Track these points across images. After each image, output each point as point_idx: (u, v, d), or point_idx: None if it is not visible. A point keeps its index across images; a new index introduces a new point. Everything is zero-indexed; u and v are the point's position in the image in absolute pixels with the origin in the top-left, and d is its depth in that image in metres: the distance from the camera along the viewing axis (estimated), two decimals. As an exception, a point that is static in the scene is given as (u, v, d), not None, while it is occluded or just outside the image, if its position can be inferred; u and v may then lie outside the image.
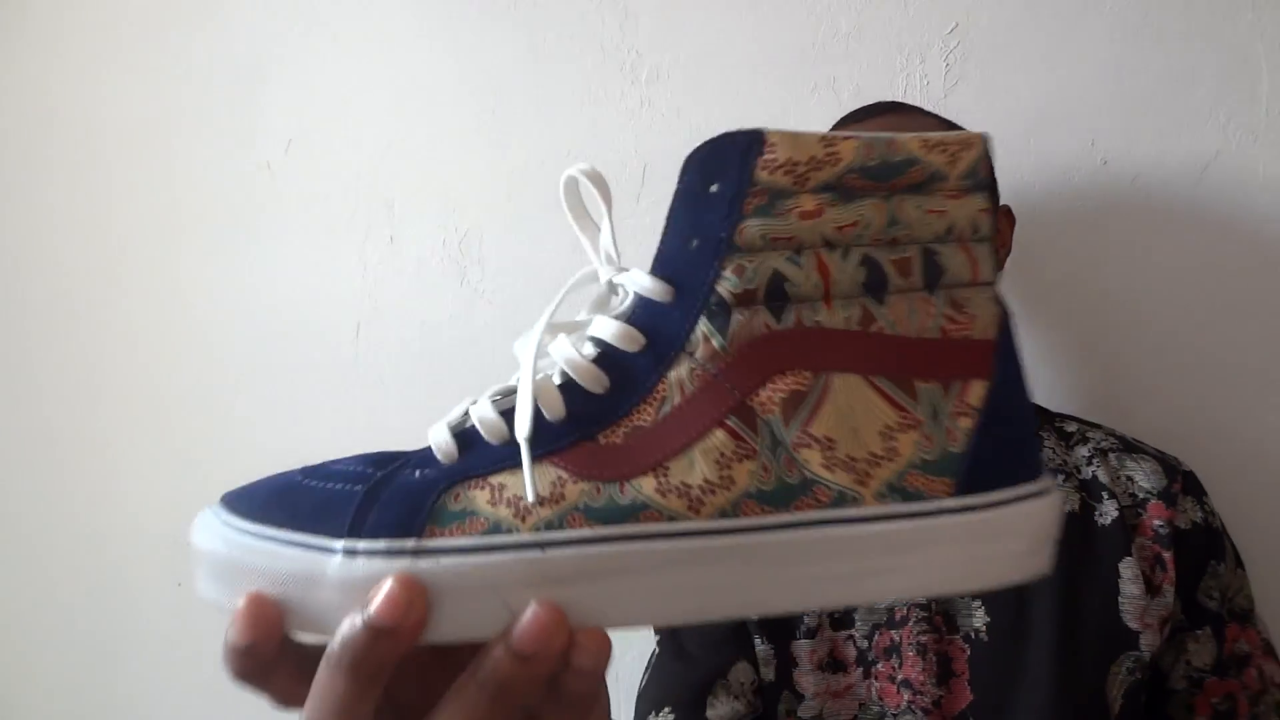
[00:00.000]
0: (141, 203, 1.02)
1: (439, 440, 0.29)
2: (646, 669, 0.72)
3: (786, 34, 0.86)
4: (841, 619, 0.62)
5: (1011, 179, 0.84)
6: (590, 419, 0.27)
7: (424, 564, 0.25)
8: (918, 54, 0.84)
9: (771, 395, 0.27)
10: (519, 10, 0.92)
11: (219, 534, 0.27)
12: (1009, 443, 0.28)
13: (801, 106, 0.86)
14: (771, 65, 0.87)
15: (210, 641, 1.06)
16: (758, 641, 0.64)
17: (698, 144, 0.28)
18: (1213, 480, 0.65)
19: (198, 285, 1.01)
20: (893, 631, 0.60)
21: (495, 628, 0.25)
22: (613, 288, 0.32)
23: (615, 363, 0.28)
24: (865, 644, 0.61)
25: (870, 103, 0.72)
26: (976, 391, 0.27)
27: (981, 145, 0.28)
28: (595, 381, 0.28)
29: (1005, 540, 0.27)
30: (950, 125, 0.70)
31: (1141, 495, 0.63)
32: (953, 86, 0.84)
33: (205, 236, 1.00)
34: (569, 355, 0.30)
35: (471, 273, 0.94)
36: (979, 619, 0.60)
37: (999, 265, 0.67)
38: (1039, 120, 0.83)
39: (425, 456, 0.29)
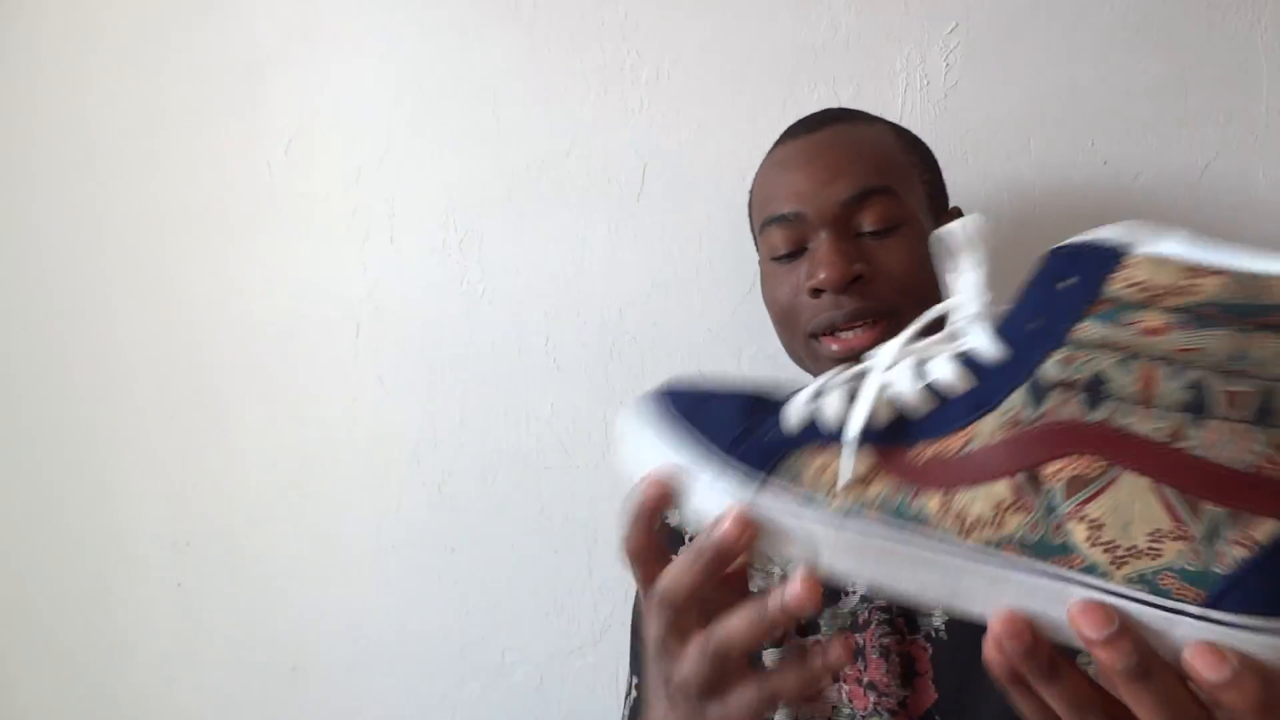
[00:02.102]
0: (141, 203, 1.02)
1: (795, 413, 0.36)
2: (626, 695, 0.72)
3: (786, 34, 0.86)
4: (807, 625, 0.62)
5: (1011, 179, 0.84)
6: (908, 435, 0.33)
7: (761, 499, 0.34)
8: (918, 54, 0.84)
9: (1060, 470, 0.30)
10: (519, 10, 0.92)
11: (645, 422, 0.38)
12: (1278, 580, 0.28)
13: (801, 107, 0.86)
14: (771, 65, 0.87)
15: (211, 642, 1.06)
16: None
17: (1059, 245, 0.31)
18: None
19: (197, 285, 1.01)
20: (856, 635, 0.61)
21: (793, 560, 0.34)
22: (961, 329, 0.35)
23: (941, 396, 0.33)
24: None
25: (815, 112, 0.71)
26: (1266, 529, 0.28)
27: None
28: (922, 406, 0.33)
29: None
30: (901, 130, 0.69)
31: None
32: (953, 86, 0.84)
33: (205, 236, 1.00)
34: (907, 379, 0.34)
35: (471, 273, 0.94)
36: (938, 618, 0.60)
37: None
38: (1039, 120, 0.83)
39: (778, 419, 0.36)
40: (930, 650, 0.59)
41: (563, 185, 0.92)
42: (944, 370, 0.33)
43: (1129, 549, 0.29)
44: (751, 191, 0.72)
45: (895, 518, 0.32)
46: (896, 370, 0.35)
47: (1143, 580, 0.29)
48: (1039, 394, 0.31)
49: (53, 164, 1.05)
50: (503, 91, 0.93)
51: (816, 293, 0.62)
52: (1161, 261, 0.29)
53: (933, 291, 0.64)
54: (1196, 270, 0.28)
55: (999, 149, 0.84)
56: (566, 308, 0.92)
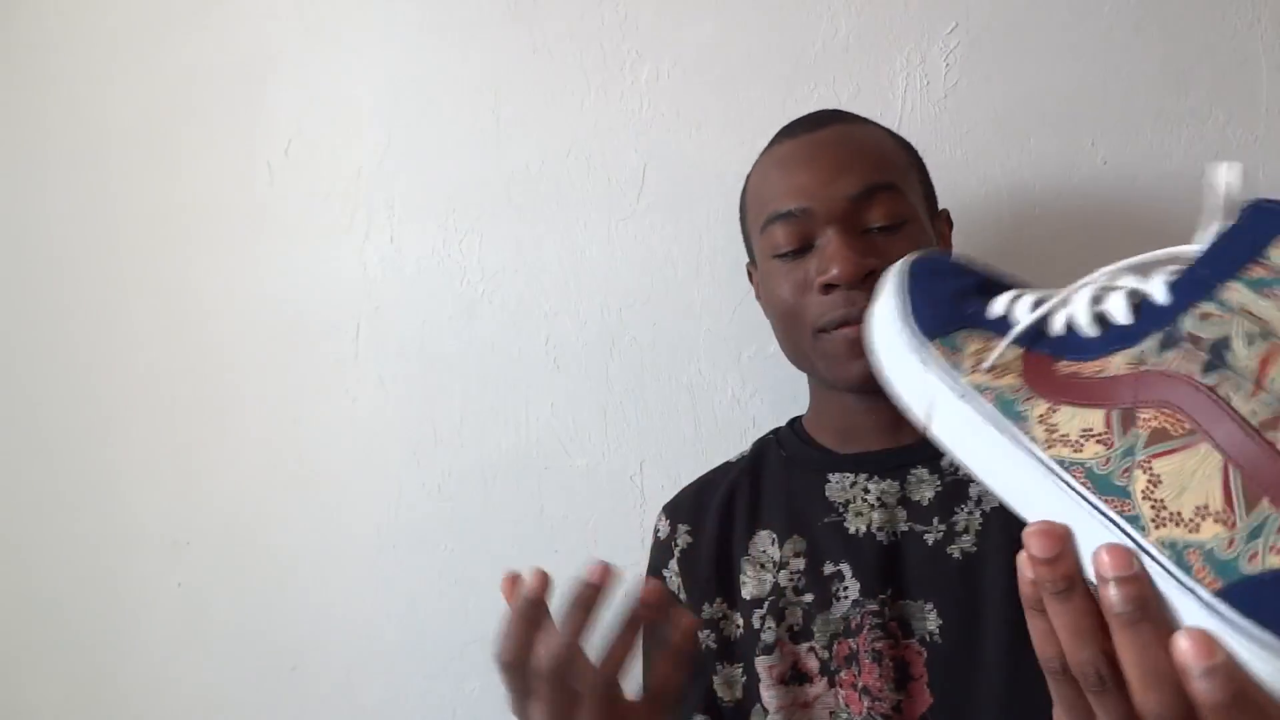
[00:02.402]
0: (141, 203, 1.02)
1: (998, 303, 0.40)
2: None
3: (786, 34, 0.86)
4: (800, 631, 0.62)
5: (1011, 179, 0.84)
6: (1062, 349, 0.36)
7: (918, 356, 0.40)
8: (918, 54, 0.84)
9: (1151, 419, 0.31)
10: (519, 10, 0.92)
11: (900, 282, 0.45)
12: None
13: (801, 107, 0.86)
14: (772, 65, 0.87)
15: (211, 642, 1.06)
16: (721, 666, 0.64)
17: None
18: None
19: (197, 285, 1.01)
20: (850, 640, 0.60)
21: (918, 410, 0.40)
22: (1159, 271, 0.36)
23: (1102, 325, 0.36)
24: (826, 654, 0.61)
25: (810, 113, 0.70)
26: None
27: None
28: (1085, 329, 0.36)
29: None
30: (894, 133, 0.69)
31: None
32: (953, 86, 0.84)
33: (205, 236, 1.00)
34: (1084, 303, 0.37)
35: (471, 273, 0.94)
36: (932, 622, 0.60)
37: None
38: (1039, 120, 0.83)
39: (988, 301, 0.41)
40: (925, 654, 0.59)
41: (563, 185, 0.92)
42: (1115, 304, 0.35)
43: (1173, 514, 0.30)
44: (746, 191, 0.71)
45: (1003, 408, 0.36)
46: (1083, 291, 0.37)
47: (1171, 547, 0.30)
48: (1170, 342, 0.32)
49: (53, 164, 1.05)
50: (503, 91, 0.93)
51: (828, 288, 0.61)
52: None
53: None
54: None
55: (999, 149, 0.84)
56: (566, 308, 0.92)
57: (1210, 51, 0.80)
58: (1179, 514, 0.30)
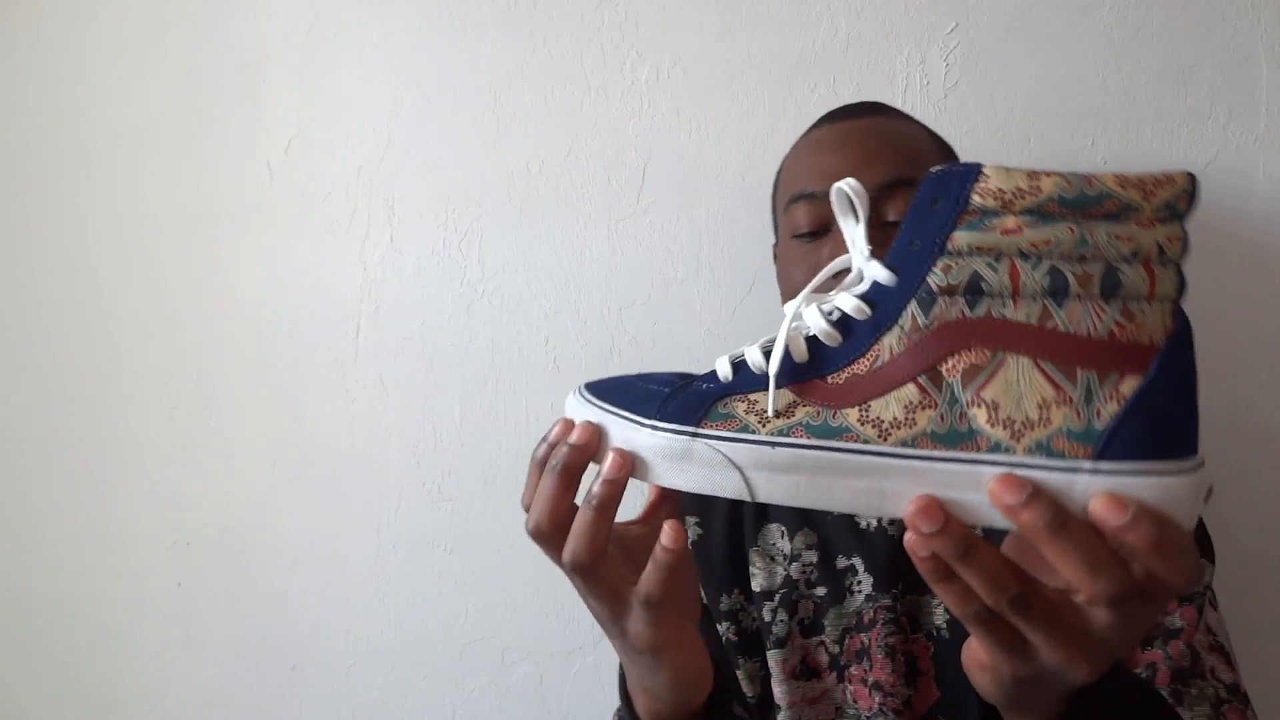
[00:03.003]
0: (141, 202, 1.02)
1: (721, 367, 0.40)
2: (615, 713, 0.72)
3: (786, 34, 0.86)
4: (811, 625, 0.62)
5: (1011, 179, 0.84)
6: (824, 365, 0.37)
7: (697, 444, 0.38)
8: (918, 54, 0.84)
9: (956, 364, 0.35)
10: (519, 10, 0.92)
11: (581, 403, 0.42)
12: (1151, 428, 0.33)
13: (801, 106, 0.86)
14: (771, 65, 0.87)
15: (211, 642, 1.06)
16: (743, 660, 0.64)
17: (936, 170, 0.36)
18: (1212, 480, 0.65)
19: (197, 285, 1.01)
20: (862, 635, 0.60)
21: (729, 492, 0.37)
22: (859, 272, 0.40)
23: (847, 326, 0.38)
24: (837, 649, 0.61)
25: (855, 102, 0.71)
26: (1130, 384, 0.34)
27: (1182, 183, 0.34)
28: (831, 338, 0.38)
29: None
30: (935, 135, 0.69)
31: None
32: (953, 86, 0.84)
33: (205, 236, 1.00)
34: (816, 318, 0.38)
35: (471, 273, 0.94)
36: (940, 616, 0.60)
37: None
38: (1039, 120, 0.83)
39: (710, 376, 0.40)
40: (932, 649, 0.59)
41: (563, 185, 0.92)
42: (847, 303, 0.38)
43: (1024, 422, 0.34)
44: (781, 170, 0.72)
45: (820, 433, 0.36)
46: (806, 313, 0.39)
47: (1040, 448, 0.34)
48: (928, 303, 0.35)
49: (53, 164, 1.05)
50: (503, 91, 0.93)
51: (838, 275, 0.61)
52: (1009, 171, 0.34)
53: None
54: (1035, 174, 0.34)
55: (999, 149, 0.84)
56: (566, 308, 0.92)
57: (1210, 51, 0.80)
58: (1028, 418, 0.34)
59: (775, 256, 0.75)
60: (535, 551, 0.97)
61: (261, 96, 0.99)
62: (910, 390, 0.35)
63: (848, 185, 0.41)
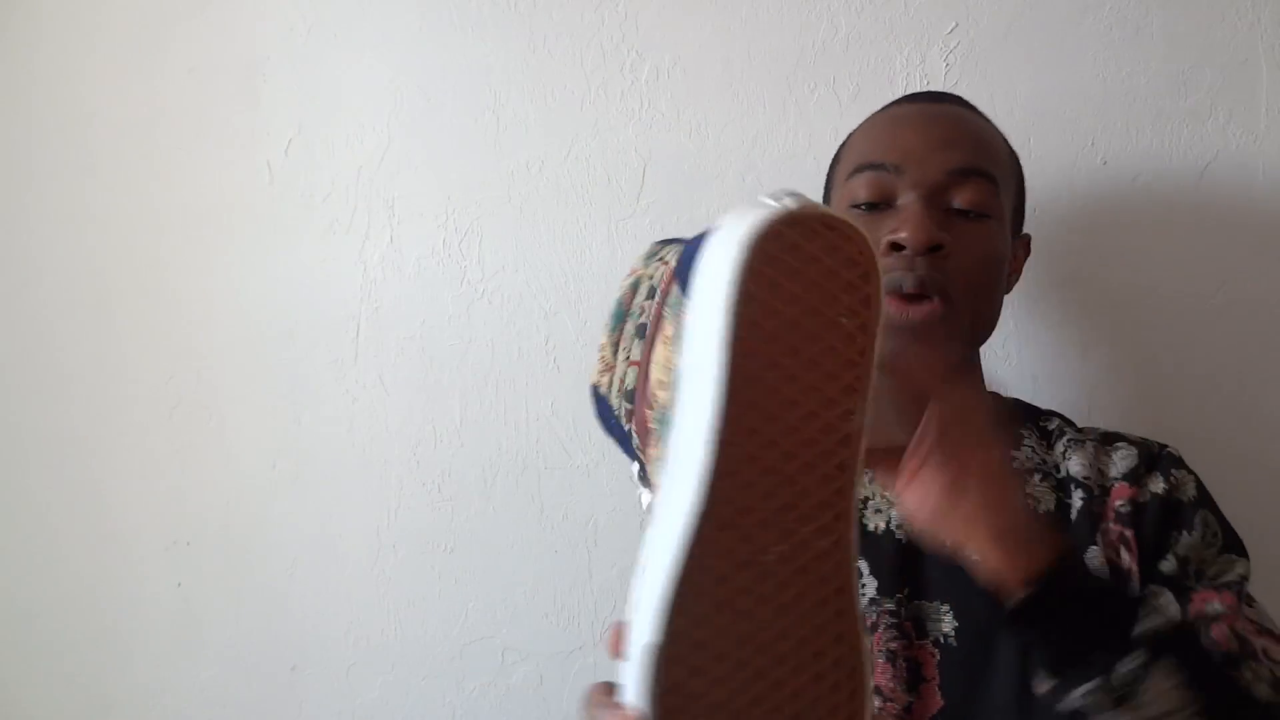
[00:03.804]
0: (141, 202, 1.02)
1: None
2: None
3: (786, 34, 0.86)
4: None
5: (1011, 179, 0.84)
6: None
7: None
8: (918, 54, 0.84)
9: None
10: (519, 10, 0.92)
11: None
12: None
13: (801, 106, 0.86)
14: (771, 65, 0.87)
15: (211, 642, 1.06)
16: None
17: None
18: (1213, 480, 0.65)
19: (197, 285, 1.01)
20: None
21: None
22: None
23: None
24: None
25: (932, 90, 0.71)
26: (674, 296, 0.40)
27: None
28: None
29: None
30: (1007, 142, 0.68)
31: (1110, 482, 0.62)
32: (953, 86, 0.84)
33: (205, 237, 1.00)
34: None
35: (471, 273, 0.94)
36: (947, 624, 0.59)
37: (1007, 289, 0.66)
38: (1039, 120, 0.83)
39: None
40: (938, 656, 0.59)
41: (563, 185, 0.92)
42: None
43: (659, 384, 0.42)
44: (846, 142, 0.70)
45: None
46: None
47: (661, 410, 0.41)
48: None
49: (52, 164, 1.05)
50: (503, 91, 0.93)
51: (894, 248, 0.59)
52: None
53: (996, 295, 0.64)
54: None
55: (999, 149, 0.84)
56: (566, 308, 0.92)
57: (1210, 51, 0.80)
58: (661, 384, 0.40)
59: None
60: (535, 551, 0.98)
61: (261, 96, 0.99)
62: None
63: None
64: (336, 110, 0.97)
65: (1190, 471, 0.64)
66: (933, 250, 0.58)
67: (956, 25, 0.84)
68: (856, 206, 0.63)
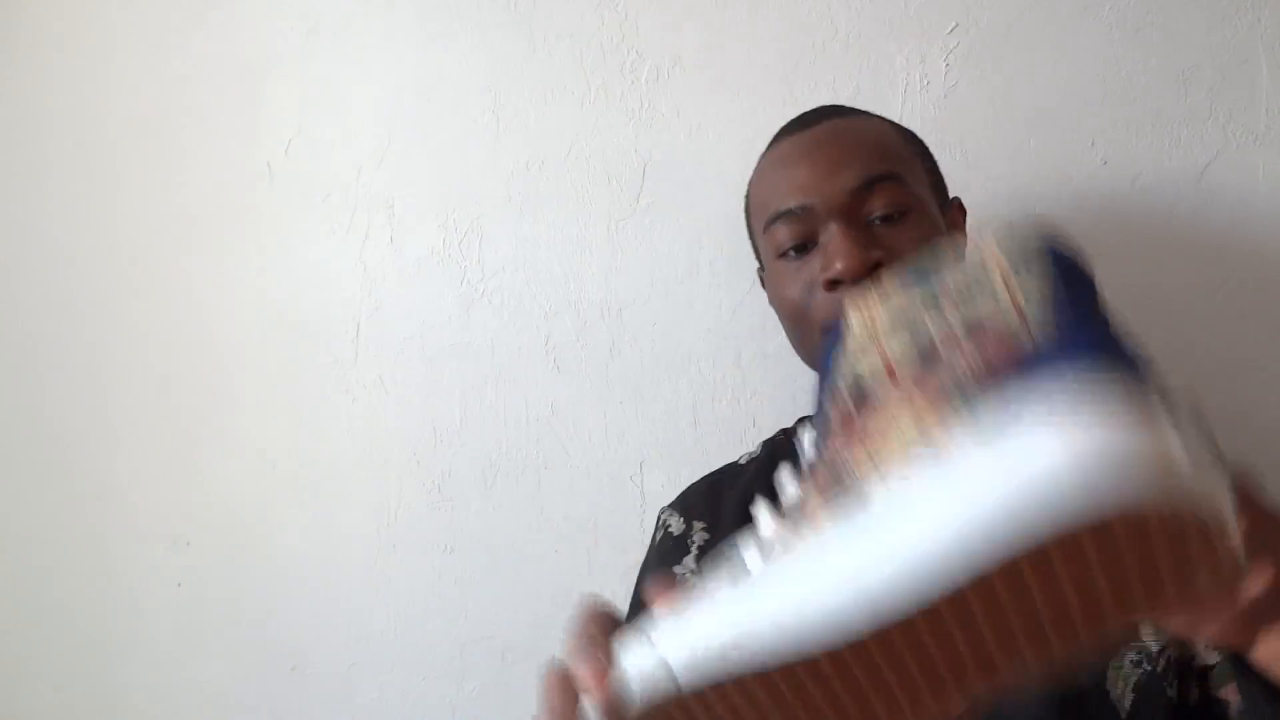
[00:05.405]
0: (140, 203, 1.02)
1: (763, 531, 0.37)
2: None
3: (787, 34, 0.86)
4: None
5: (1011, 179, 0.84)
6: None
7: None
8: (918, 54, 0.84)
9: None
10: (519, 10, 0.92)
11: None
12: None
13: (801, 106, 0.85)
14: (771, 65, 0.87)
15: (211, 642, 1.06)
16: None
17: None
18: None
19: (197, 285, 1.01)
20: None
21: None
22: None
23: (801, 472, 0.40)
24: None
25: (807, 110, 0.70)
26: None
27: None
28: (794, 488, 0.37)
29: None
30: (896, 124, 0.69)
31: None
32: (953, 86, 0.84)
33: (205, 237, 1.00)
34: (789, 480, 0.38)
35: (471, 273, 0.94)
36: None
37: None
38: (1039, 120, 0.83)
39: None
40: None
41: (563, 185, 0.92)
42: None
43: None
44: (749, 194, 0.71)
45: (847, 505, 0.36)
46: (784, 476, 0.37)
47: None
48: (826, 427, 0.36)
49: (52, 164, 1.05)
50: (503, 91, 0.93)
51: (833, 284, 0.60)
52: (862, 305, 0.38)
53: None
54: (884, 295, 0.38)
55: (999, 149, 0.84)
56: (566, 308, 0.92)
57: (1210, 51, 0.80)
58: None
59: (762, 281, 0.74)
60: (535, 551, 0.98)
61: (261, 96, 0.99)
62: (903, 417, 0.33)
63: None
64: (336, 110, 0.97)
65: None
66: (872, 271, 0.59)
67: (956, 25, 0.84)
68: (784, 255, 0.64)
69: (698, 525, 0.70)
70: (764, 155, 0.70)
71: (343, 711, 0.98)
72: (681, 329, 0.89)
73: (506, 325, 0.93)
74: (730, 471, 0.74)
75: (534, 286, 0.93)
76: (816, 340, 0.63)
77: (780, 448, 0.73)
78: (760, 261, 0.73)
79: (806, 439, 0.39)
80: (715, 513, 0.70)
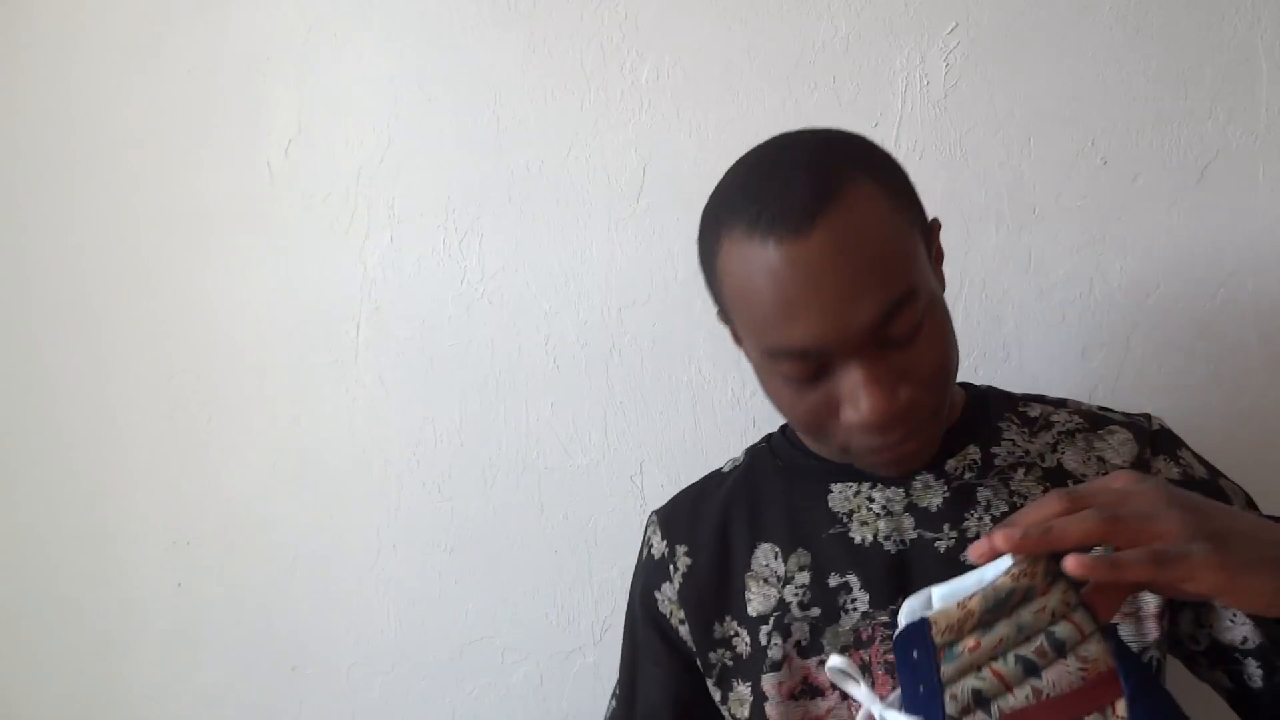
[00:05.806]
0: (141, 203, 1.02)
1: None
2: (611, 696, 0.72)
3: (787, 34, 0.86)
4: (809, 646, 0.61)
5: (1011, 179, 0.84)
6: None
7: None
8: (918, 54, 0.84)
9: None
10: (519, 10, 0.92)
11: None
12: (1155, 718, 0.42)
13: (801, 106, 0.86)
14: (772, 65, 0.87)
15: (211, 642, 1.06)
16: (736, 683, 0.64)
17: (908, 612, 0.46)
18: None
19: (197, 285, 1.01)
20: (861, 652, 0.59)
21: None
22: None
23: None
24: None
25: (781, 194, 0.56)
26: (1121, 707, 0.42)
27: (1044, 560, 0.43)
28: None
29: None
30: (875, 169, 0.56)
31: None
32: (953, 86, 0.84)
33: (205, 237, 1.00)
34: None
35: (471, 273, 0.94)
36: None
37: (941, 286, 0.60)
38: (1039, 120, 0.83)
39: None
40: None
41: (563, 185, 0.92)
42: None
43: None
44: (717, 270, 0.61)
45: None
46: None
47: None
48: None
49: (52, 164, 1.05)
50: (503, 91, 0.93)
51: (863, 429, 0.55)
52: (945, 610, 0.44)
53: (955, 348, 0.58)
54: (962, 604, 0.44)
55: (999, 149, 0.84)
56: (566, 308, 0.92)
57: (1210, 51, 0.80)
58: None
59: (735, 339, 0.66)
60: (535, 551, 0.98)
61: (261, 96, 0.99)
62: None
63: (839, 665, 0.50)
64: (336, 110, 0.97)
65: (1184, 445, 0.64)
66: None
67: (956, 25, 0.84)
68: (790, 381, 0.57)
69: (680, 550, 0.68)
70: (742, 240, 0.57)
71: (343, 711, 0.98)
72: (681, 329, 0.89)
73: (506, 325, 0.93)
74: (714, 481, 0.72)
75: (534, 286, 0.93)
76: (834, 447, 0.59)
77: (761, 458, 0.70)
78: (728, 325, 0.65)
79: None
80: (696, 534, 0.68)
